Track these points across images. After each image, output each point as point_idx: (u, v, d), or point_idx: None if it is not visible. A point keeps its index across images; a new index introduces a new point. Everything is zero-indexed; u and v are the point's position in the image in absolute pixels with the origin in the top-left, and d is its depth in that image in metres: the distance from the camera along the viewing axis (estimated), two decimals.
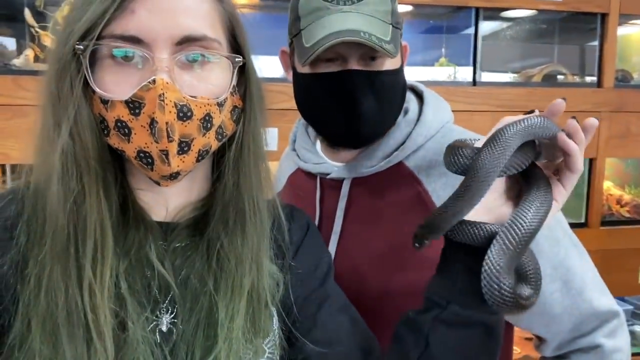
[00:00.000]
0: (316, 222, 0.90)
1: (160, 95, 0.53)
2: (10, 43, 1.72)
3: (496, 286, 0.52)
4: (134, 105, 0.54)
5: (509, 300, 0.52)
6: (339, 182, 0.89)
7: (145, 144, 0.55)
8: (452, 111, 0.92)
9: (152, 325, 0.58)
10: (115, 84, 0.55)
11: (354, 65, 0.77)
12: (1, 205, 0.59)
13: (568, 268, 0.77)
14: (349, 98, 0.78)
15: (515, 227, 0.54)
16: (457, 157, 0.58)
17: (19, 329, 0.53)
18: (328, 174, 0.89)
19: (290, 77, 0.87)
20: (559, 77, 2.10)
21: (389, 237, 0.82)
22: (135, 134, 0.55)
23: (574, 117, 0.56)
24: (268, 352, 0.62)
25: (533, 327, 0.81)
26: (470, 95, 1.85)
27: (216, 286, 0.59)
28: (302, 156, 0.95)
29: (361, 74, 0.78)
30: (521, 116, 0.57)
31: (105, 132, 0.57)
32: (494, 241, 0.54)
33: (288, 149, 1.03)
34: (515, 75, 2.08)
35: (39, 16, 1.67)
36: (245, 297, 0.60)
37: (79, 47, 0.54)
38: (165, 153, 0.55)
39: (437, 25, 2.08)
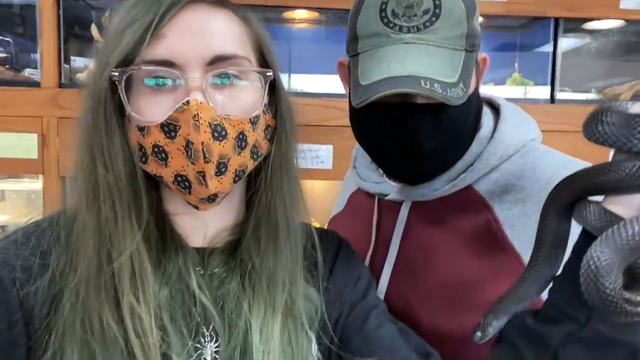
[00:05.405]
0: (371, 248, 0.82)
1: (194, 116, 0.53)
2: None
3: (593, 284, 0.43)
4: (169, 128, 0.54)
5: (610, 303, 0.42)
6: (398, 205, 0.80)
7: (182, 167, 0.55)
8: None
9: (196, 355, 0.56)
10: (150, 110, 0.55)
11: (417, 97, 0.65)
12: (37, 233, 0.59)
13: None
14: (410, 136, 0.67)
15: (634, 222, 0.43)
16: (600, 124, 0.46)
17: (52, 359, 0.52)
18: (387, 195, 0.81)
19: (347, 91, 0.77)
20: None
21: (447, 273, 0.72)
22: (172, 157, 0.55)
23: None
24: None
25: None
26: (548, 114, 1.69)
27: (251, 309, 0.57)
28: (362, 174, 0.88)
29: (425, 109, 0.66)
30: None
31: (143, 159, 0.58)
32: (603, 233, 0.44)
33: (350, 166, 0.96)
34: (599, 94, 1.89)
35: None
36: (279, 319, 0.58)
37: (114, 74, 0.54)
38: (202, 175, 0.55)
39: (510, 43, 1.94)
